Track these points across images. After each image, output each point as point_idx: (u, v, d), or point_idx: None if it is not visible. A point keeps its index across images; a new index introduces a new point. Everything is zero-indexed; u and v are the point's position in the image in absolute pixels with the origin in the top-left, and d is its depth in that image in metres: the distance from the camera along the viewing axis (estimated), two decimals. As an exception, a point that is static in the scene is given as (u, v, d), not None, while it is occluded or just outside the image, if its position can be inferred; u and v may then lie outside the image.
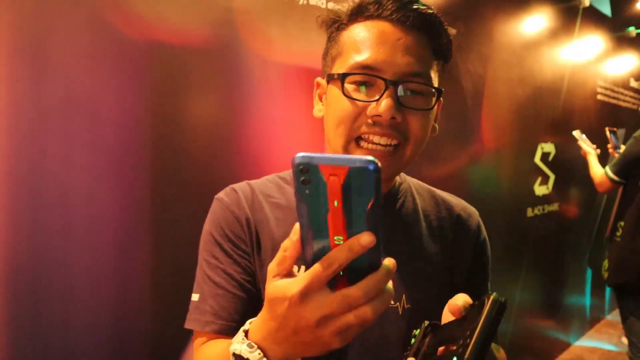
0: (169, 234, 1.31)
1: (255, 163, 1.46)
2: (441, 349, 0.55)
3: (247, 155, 1.46)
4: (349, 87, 0.71)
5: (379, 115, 0.68)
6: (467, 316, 0.54)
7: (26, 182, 1.08)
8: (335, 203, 0.42)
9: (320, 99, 0.80)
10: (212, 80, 1.39)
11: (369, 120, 0.70)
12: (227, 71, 1.42)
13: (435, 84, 0.73)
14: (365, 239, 0.43)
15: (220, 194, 0.81)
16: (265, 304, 0.50)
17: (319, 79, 0.81)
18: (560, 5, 3.12)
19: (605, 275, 2.53)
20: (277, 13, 1.50)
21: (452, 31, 2.24)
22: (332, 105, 0.74)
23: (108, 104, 1.19)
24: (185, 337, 1.34)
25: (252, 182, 0.82)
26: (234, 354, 0.53)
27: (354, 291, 0.45)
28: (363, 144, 0.71)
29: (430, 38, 0.72)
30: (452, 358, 0.48)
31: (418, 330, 0.63)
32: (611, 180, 2.54)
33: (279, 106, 1.51)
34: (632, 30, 3.98)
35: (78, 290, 1.16)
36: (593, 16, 3.52)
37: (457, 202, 0.88)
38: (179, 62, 1.32)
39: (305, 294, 0.46)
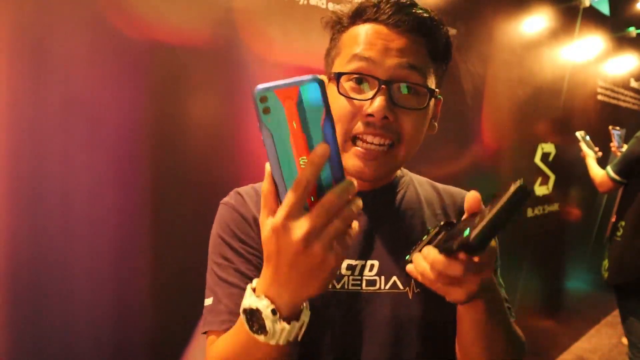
0: (169, 234, 1.31)
1: (256, 163, 1.46)
2: (454, 239, 0.54)
3: (247, 155, 1.46)
4: (346, 85, 0.73)
5: (372, 115, 0.70)
6: (483, 209, 0.52)
7: (26, 182, 1.08)
8: (294, 124, 0.46)
9: None
10: (212, 80, 1.39)
11: (364, 120, 0.71)
12: (227, 71, 1.42)
13: (432, 86, 0.75)
14: (321, 148, 0.46)
15: (225, 199, 0.82)
16: (264, 253, 0.52)
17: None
18: (561, 6, 3.12)
19: (606, 275, 2.52)
20: (277, 13, 1.50)
21: (452, 31, 2.25)
22: (331, 105, 0.75)
23: (108, 104, 1.19)
24: (185, 337, 1.34)
25: (256, 185, 0.84)
26: (244, 310, 0.54)
27: (326, 199, 0.47)
28: (358, 142, 0.73)
29: (427, 41, 0.73)
30: (464, 231, 0.49)
31: (432, 229, 0.63)
32: (613, 180, 2.54)
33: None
34: (632, 31, 3.98)
35: (78, 290, 1.16)
36: (593, 16, 3.52)
37: (459, 191, 0.89)
38: (179, 62, 1.32)
39: (286, 223, 0.48)
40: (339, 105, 0.73)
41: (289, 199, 0.47)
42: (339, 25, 0.78)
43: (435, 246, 0.57)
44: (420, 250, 0.60)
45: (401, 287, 0.76)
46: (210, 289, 0.76)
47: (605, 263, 2.53)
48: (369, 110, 0.70)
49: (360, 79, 0.72)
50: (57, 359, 1.13)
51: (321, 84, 0.45)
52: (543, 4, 2.95)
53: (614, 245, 2.49)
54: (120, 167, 1.22)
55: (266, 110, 0.46)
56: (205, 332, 0.76)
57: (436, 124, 0.82)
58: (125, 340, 1.24)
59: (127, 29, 1.21)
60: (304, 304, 0.56)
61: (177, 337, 1.33)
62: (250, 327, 0.55)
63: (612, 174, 2.54)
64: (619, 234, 2.48)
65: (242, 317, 0.55)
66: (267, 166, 0.49)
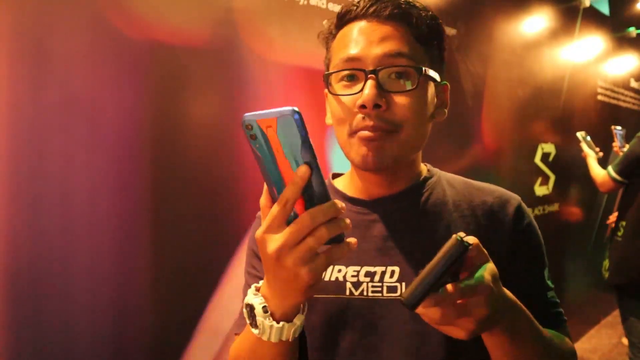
0: (169, 234, 1.31)
1: (256, 163, 1.46)
2: None
3: (247, 155, 1.46)
4: (337, 86, 0.74)
5: (364, 106, 0.70)
6: None
7: (26, 182, 1.08)
8: (277, 150, 0.50)
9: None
10: (212, 80, 1.39)
11: (360, 115, 0.71)
12: (227, 71, 1.42)
13: (424, 66, 0.73)
14: (301, 170, 0.50)
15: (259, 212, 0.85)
16: None
17: (326, 90, 0.82)
18: (561, 6, 3.12)
19: (606, 275, 2.52)
20: (277, 13, 1.50)
21: (452, 31, 2.25)
22: (331, 109, 0.77)
23: (108, 104, 1.19)
24: (185, 337, 1.34)
25: None
26: (245, 305, 0.61)
27: (302, 217, 0.51)
28: (359, 132, 0.72)
29: (409, 26, 0.73)
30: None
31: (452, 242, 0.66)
32: (614, 180, 2.53)
33: (279, 106, 1.50)
34: (632, 31, 3.98)
35: (78, 290, 1.16)
36: (593, 16, 3.52)
37: (493, 189, 0.84)
38: (179, 62, 1.32)
39: (265, 235, 0.53)
40: (335, 106, 0.74)
41: (270, 214, 0.52)
42: (330, 35, 0.80)
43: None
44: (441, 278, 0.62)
45: None
46: (243, 296, 0.80)
47: (606, 263, 2.53)
48: (360, 102, 0.70)
49: (351, 75, 0.73)
50: (57, 359, 1.13)
51: (296, 115, 0.48)
52: (543, 4, 2.95)
53: (614, 245, 2.49)
54: (120, 167, 1.22)
55: (252, 137, 0.51)
56: (236, 334, 0.78)
57: (446, 110, 0.80)
58: (125, 340, 1.24)
59: (127, 29, 1.21)
60: (301, 307, 0.60)
61: (177, 337, 1.33)
62: (249, 322, 0.61)
63: (613, 174, 2.53)
64: (619, 233, 2.48)
65: (243, 311, 0.62)
66: (265, 185, 0.54)
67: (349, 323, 0.74)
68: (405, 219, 0.78)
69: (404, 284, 0.73)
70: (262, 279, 0.74)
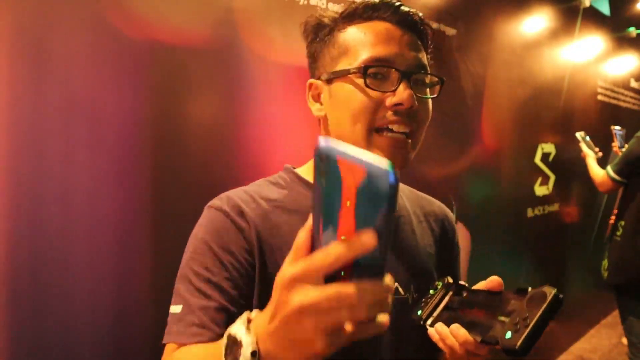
0: (169, 233, 1.31)
1: (256, 163, 1.46)
2: (472, 311, 0.63)
3: (248, 155, 1.46)
4: (359, 81, 0.75)
5: (401, 104, 0.72)
6: (508, 296, 0.60)
7: (26, 182, 1.08)
8: (348, 203, 0.40)
9: (316, 99, 0.83)
10: (212, 80, 1.39)
11: (389, 111, 0.73)
12: (227, 71, 1.41)
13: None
14: (367, 237, 0.40)
15: (216, 202, 0.78)
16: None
17: (311, 81, 0.83)
18: (561, 6, 3.12)
19: (605, 274, 2.53)
20: (277, 13, 1.50)
21: (452, 31, 2.25)
22: (346, 101, 0.76)
23: (108, 104, 1.19)
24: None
25: (247, 188, 0.81)
26: (229, 335, 0.52)
27: (348, 287, 0.42)
28: (385, 133, 0.74)
29: (422, 38, 0.79)
30: (506, 331, 0.55)
31: (440, 283, 0.71)
32: (613, 180, 2.54)
33: (279, 106, 1.51)
34: (632, 31, 3.98)
35: (78, 290, 1.16)
36: (593, 16, 3.52)
37: (434, 200, 0.96)
38: (179, 62, 1.32)
39: (296, 279, 0.43)
40: (360, 99, 0.74)
41: (312, 259, 0.43)
42: (328, 28, 0.80)
43: (449, 310, 0.67)
44: (432, 310, 0.69)
45: (402, 292, 0.78)
46: (181, 297, 0.71)
47: (605, 262, 2.54)
48: (397, 100, 0.72)
49: (376, 73, 0.74)
50: (57, 359, 1.13)
51: (392, 178, 0.37)
52: (543, 4, 2.95)
53: (613, 245, 2.49)
54: (120, 167, 1.22)
55: (323, 173, 0.40)
56: (165, 343, 0.71)
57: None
58: (125, 340, 1.24)
59: (127, 29, 1.21)
60: None
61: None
62: (225, 354, 0.52)
63: (613, 174, 2.54)
64: (618, 233, 2.48)
65: (223, 340, 0.53)
66: (310, 219, 0.45)
67: None
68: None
69: None
70: (217, 284, 0.69)
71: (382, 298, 0.43)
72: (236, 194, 0.78)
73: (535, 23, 2.89)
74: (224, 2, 1.40)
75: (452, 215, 0.95)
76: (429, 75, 0.78)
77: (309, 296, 0.42)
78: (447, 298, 0.68)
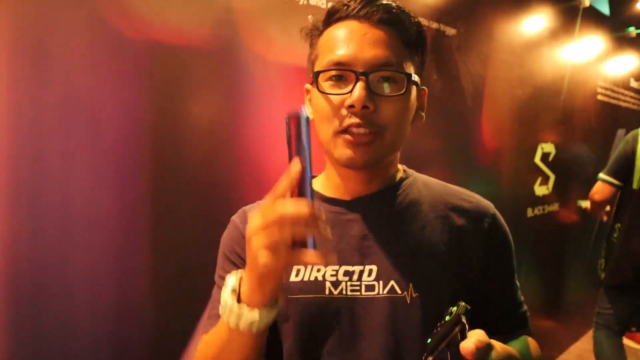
0: (169, 234, 1.31)
1: (256, 163, 1.47)
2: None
3: (248, 155, 1.46)
4: (325, 84, 0.75)
5: (353, 106, 0.72)
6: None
7: (26, 182, 1.08)
8: (291, 143, 0.57)
9: (309, 103, 0.84)
10: (212, 80, 1.39)
11: (348, 113, 0.73)
12: (227, 71, 1.41)
13: (412, 72, 0.76)
14: (294, 163, 0.55)
15: (233, 217, 0.88)
16: None
17: (306, 85, 0.84)
18: (560, 6, 3.12)
19: (602, 275, 2.57)
20: (277, 13, 1.50)
21: (452, 31, 2.25)
22: (315, 105, 0.78)
23: (108, 104, 1.19)
24: (185, 337, 1.34)
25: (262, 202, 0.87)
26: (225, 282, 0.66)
27: (271, 204, 0.55)
28: (345, 135, 0.74)
29: (399, 31, 0.75)
30: None
31: (455, 308, 0.60)
32: (609, 183, 2.51)
33: (279, 106, 1.51)
34: (632, 31, 3.98)
35: (78, 290, 1.16)
36: (593, 16, 3.52)
37: (470, 195, 0.86)
38: (179, 62, 1.32)
39: (253, 217, 0.57)
40: (322, 103, 0.75)
41: (266, 199, 0.57)
42: (316, 31, 0.81)
43: (452, 348, 0.59)
44: (438, 343, 0.60)
45: (399, 291, 0.75)
46: (212, 302, 0.82)
47: (601, 262, 2.59)
48: (349, 102, 0.72)
49: (339, 76, 0.74)
50: (57, 359, 1.13)
51: (299, 116, 0.56)
52: (543, 4, 2.95)
53: (610, 247, 2.53)
54: (120, 167, 1.22)
55: (288, 127, 0.58)
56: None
57: (423, 114, 0.83)
58: (125, 340, 1.24)
59: (127, 29, 1.21)
60: (270, 304, 0.62)
61: (177, 337, 1.33)
62: (222, 302, 0.65)
63: (608, 178, 2.51)
64: (615, 235, 2.51)
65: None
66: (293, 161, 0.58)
67: (329, 322, 0.75)
68: (382, 218, 0.80)
69: (381, 282, 0.76)
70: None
71: (303, 213, 0.53)
72: (250, 207, 0.88)
73: (535, 23, 2.89)
74: (224, 2, 1.40)
75: (490, 213, 0.83)
76: (395, 71, 0.73)
77: (252, 222, 0.56)
78: (456, 330, 0.57)
